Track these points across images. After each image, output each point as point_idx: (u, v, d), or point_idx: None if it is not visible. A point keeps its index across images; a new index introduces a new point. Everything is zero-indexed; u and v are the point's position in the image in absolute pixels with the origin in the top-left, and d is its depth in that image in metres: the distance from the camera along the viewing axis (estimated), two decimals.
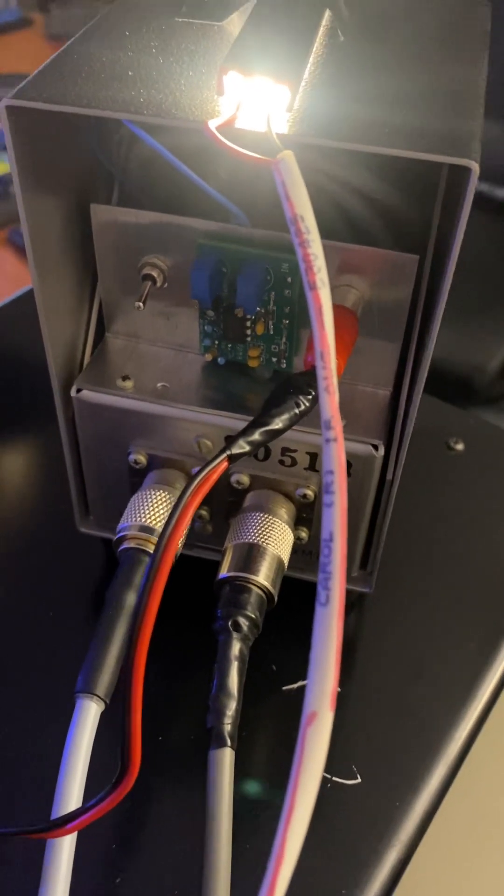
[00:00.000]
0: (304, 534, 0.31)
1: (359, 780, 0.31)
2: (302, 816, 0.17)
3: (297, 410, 0.24)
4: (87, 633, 0.27)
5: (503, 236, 0.98)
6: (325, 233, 0.28)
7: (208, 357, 0.30)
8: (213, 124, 0.21)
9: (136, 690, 0.21)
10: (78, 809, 0.23)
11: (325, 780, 0.31)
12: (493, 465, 0.43)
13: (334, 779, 0.31)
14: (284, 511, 0.30)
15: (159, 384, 0.30)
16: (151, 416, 0.30)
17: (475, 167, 0.21)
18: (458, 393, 0.94)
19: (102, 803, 0.22)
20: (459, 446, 0.43)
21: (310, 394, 0.24)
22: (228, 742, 0.25)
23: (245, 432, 0.23)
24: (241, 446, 0.23)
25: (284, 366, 0.30)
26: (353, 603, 0.36)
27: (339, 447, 0.18)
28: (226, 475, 0.31)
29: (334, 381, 0.19)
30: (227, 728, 0.25)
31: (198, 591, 0.30)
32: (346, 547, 0.18)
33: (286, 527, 0.30)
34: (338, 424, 0.18)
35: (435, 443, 0.44)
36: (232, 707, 0.26)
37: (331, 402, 0.18)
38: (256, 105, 0.22)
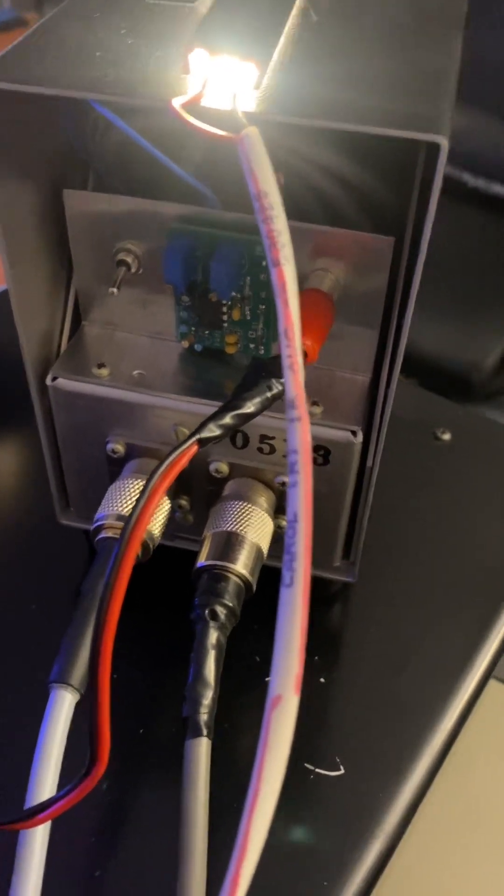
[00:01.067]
0: (284, 522, 0.31)
1: (342, 771, 0.31)
2: (267, 802, 0.17)
3: (269, 394, 0.24)
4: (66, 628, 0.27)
5: (497, 232, 0.98)
6: (301, 216, 0.28)
7: (185, 344, 0.30)
8: (177, 102, 0.21)
9: (104, 676, 0.20)
10: (49, 799, 0.22)
11: (308, 772, 0.31)
12: (480, 455, 0.43)
13: (317, 770, 0.31)
14: (264, 499, 0.30)
15: (136, 372, 0.30)
16: (128, 405, 0.29)
17: (444, 143, 0.21)
18: (455, 389, 0.93)
19: (73, 793, 0.21)
20: (446, 436, 0.43)
21: (282, 377, 0.24)
22: (204, 731, 0.25)
23: (215, 416, 0.23)
24: (212, 430, 0.23)
25: (262, 352, 0.30)
26: (338, 593, 0.36)
27: (304, 426, 0.18)
28: (205, 464, 0.31)
29: (299, 359, 0.18)
30: (204, 717, 0.25)
31: (180, 582, 0.29)
32: (312, 527, 0.18)
33: (265, 515, 0.29)
34: (302, 403, 0.18)
35: (422, 433, 0.43)
36: (208, 696, 0.25)
37: (295, 381, 0.18)
38: (223, 83, 0.22)
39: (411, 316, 0.25)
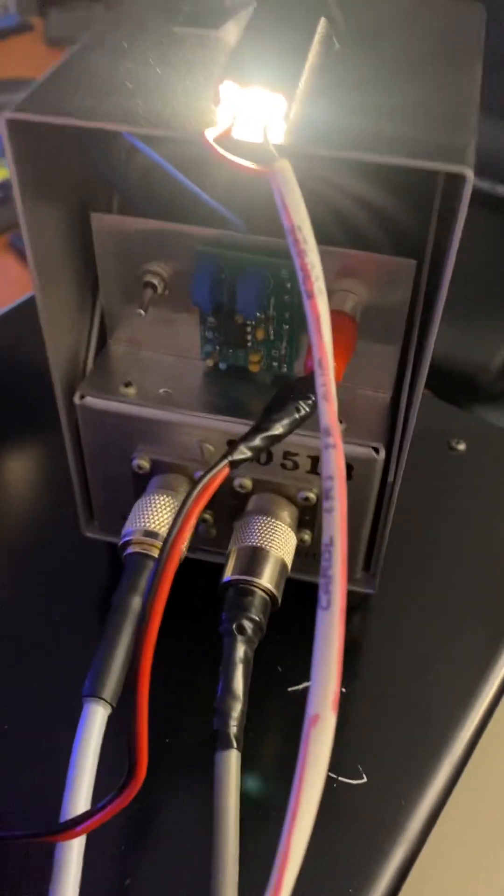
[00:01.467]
0: (306, 536, 0.32)
1: (364, 779, 0.32)
2: (306, 818, 0.18)
3: (297, 416, 0.24)
4: (94, 638, 0.28)
5: (503, 234, 0.98)
6: (324, 238, 0.28)
7: (210, 363, 0.31)
8: (209, 135, 0.21)
9: (143, 693, 0.21)
10: (86, 812, 0.23)
11: (331, 780, 0.31)
12: (495, 465, 0.43)
13: (340, 779, 0.31)
14: (287, 514, 0.31)
15: (161, 390, 0.30)
16: (154, 422, 0.30)
17: (470, 175, 0.21)
18: (461, 391, 0.94)
19: (110, 806, 0.22)
20: (461, 447, 0.43)
21: (310, 399, 0.24)
22: (234, 744, 0.25)
23: (246, 438, 0.24)
24: (243, 452, 0.23)
25: (285, 370, 0.30)
26: (357, 604, 0.37)
27: (339, 453, 0.19)
28: (228, 479, 0.31)
29: (332, 388, 0.19)
30: (233, 730, 0.25)
31: (203, 595, 0.30)
32: (347, 551, 0.18)
33: (289, 529, 0.30)
34: (336, 431, 0.19)
35: (436, 443, 0.44)
36: (237, 709, 0.26)
37: (329, 410, 0.19)
38: (253, 115, 0.22)
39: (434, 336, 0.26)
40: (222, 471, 0.23)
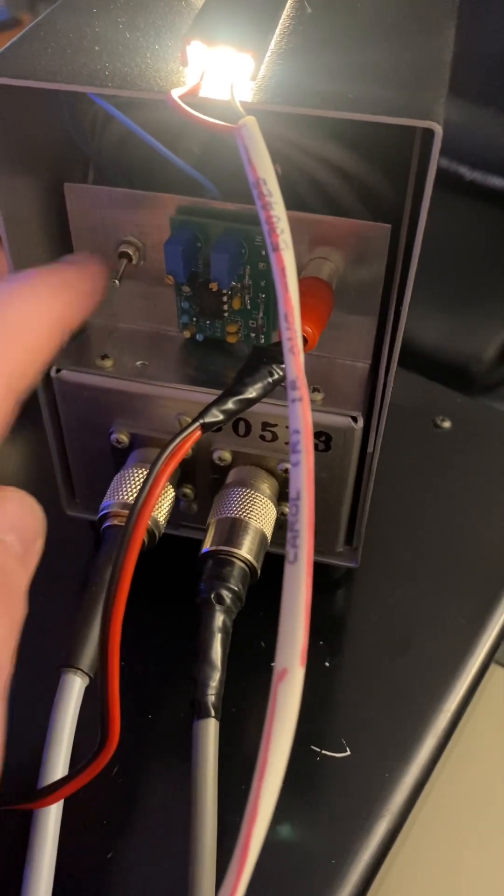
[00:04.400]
0: (287, 509, 0.31)
1: (348, 752, 0.31)
2: (275, 775, 0.18)
3: (270, 379, 0.24)
4: (75, 612, 0.27)
5: (497, 224, 0.98)
6: (300, 206, 0.28)
7: (187, 334, 0.31)
8: (175, 94, 0.21)
9: (113, 659, 0.21)
10: (61, 779, 0.23)
11: (314, 753, 0.31)
12: (480, 443, 0.43)
13: (323, 752, 0.31)
14: (267, 486, 0.30)
15: (139, 362, 0.30)
16: (132, 395, 0.30)
17: (438, 129, 0.21)
18: (455, 381, 0.94)
19: (84, 772, 0.22)
20: (446, 424, 0.43)
21: (283, 363, 0.24)
22: (212, 713, 0.25)
23: (218, 401, 0.23)
24: (215, 415, 0.23)
25: (263, 341, 0.30)
26: (341, 579, 0.37)
27: (305, 406, 0.18)
28: (208, 452, 0.31)
29: (299, 341, 0.19)
30: (211, 699, 0.25)
31: (185, 571, 0.30)
32: (314, 505, 0.18)
33: (269, 501, 0.30)
34: (303, 385, 0.18)
35: (422, 421, 0.44)
36: (216, 678, 0.26)
37: (295, 363, 0.18)
38: (221, 74, 0.22)
39: (409, 305, 0.26)
40: (193, 434, 0.22)
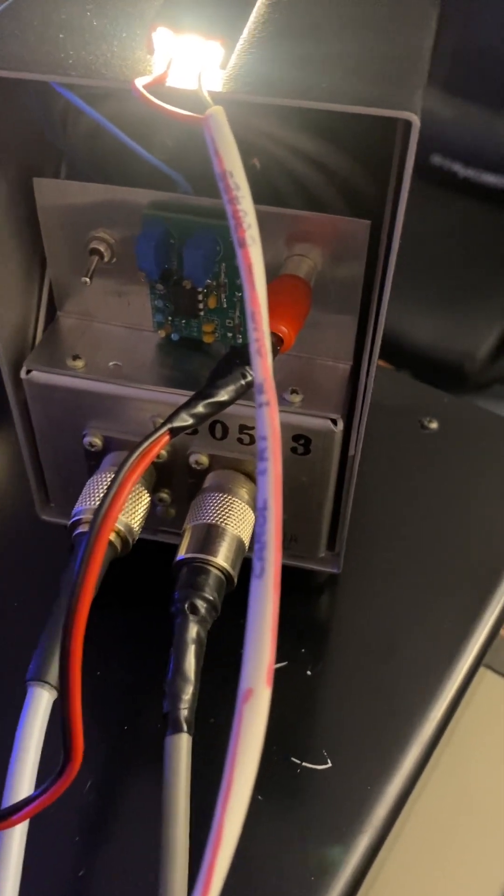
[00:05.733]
0: None
1: (329, 764, 0.31)
2: (240, 798, 0.17)
3: (243, 382, 0.23)
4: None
5: (491, 221, 0.97)
6: (279, 202, 0.27)
7: (162, 334, 0.30)
8: (140, 83, 0.20)
9: (75, 671, 0.20)
10: (24, 799, 0.22)
11: (294, 766, 0.30)
12: (467, 444, 0.42)
13: (304, 764, 0.30)
14: (245, 491, 0.29)
15: (112, 363, 0.29)
16: (104, 396, 0.29)
17: (415, 120, 0.20)
18: (448, 380, 0.93)
19: (48, 792, 0.21)
20: (433, 425, 0.42)
21: None
22: (185, 727, 0.24)
23: (188, 405, 0.22)
24: (184, 419, 0.22)
25: (240, 340, 0.29)
26: (324, 584, 0.36)
27: (273, 411, 0.17)
28: (185, 456, 0.30)
29: (266, 343, 0.18)
30: (184, 713, 0.24)
31: (163, 578, 0.29)
32: (282, 515, 0.17)
33: (247, 507, 0.29)
34: (270, 388, 0.18)
35: (409, 422, 0.43)
36: (188, 692, 0.25)
37: (263, 365, 0.18)
38: (188, 63, 0.21)
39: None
40: (161, 438, 0.21)
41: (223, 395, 0.23)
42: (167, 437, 0.22)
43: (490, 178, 0.99)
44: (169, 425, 0.22)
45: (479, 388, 0.92)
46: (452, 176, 0.98)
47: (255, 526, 0.30)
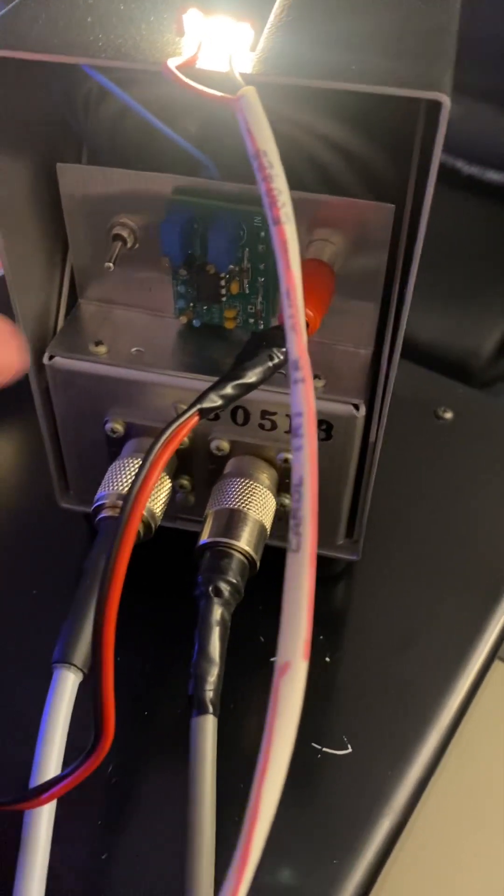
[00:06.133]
0: (287, 500, 0.31)
1: (350, 749, 0.31)
2: (277, 772, 0.17)
3: (270, 364, 0.23)
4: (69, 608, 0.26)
5: (495, 218, 0.97)
6: (302, 186, 0.27)
7: (183, 320, 0.30)
8: (172, 64, 0.20)
9: (108, 654, 0.20)
10: (54, 778, 0.22)
11: (315, 751, 0.30)
12: (481, 434, 0.42)
13: (325, 749, 0.31)
14: (266, 476, 0.29)
15: (134, 349, 0.29)
16: (126, 382, 0.29)
17: (446, 100, 0.20)
18: (453, 376, 0.93)
19: (78, 771, 0.21)
20: (448, 415, 0.43)
21: (283, 346, 0.23)
22: (210, 709, 0.24)
23: (216, 386, 0.23)
24: (213, 400, 0.22)
25: (262, 327, 0.29)
26: (342, 573, 0.36)
27: (308, 388, 0.18)
28: (206, 442, 0.30)
29: (301, 320, 0.18)
30: (209, 695, 0.24)
31: (183, 564, 0.29)
32: (318, 490, 0.17)
33: (268, 492, 0.29)
34: (306, 364, 0.18)
35: (424, 412, 0.43)
36: (214, 673, 0.25)
37: (298, 342, 0.18)
38: (219, 45, 0.21)
39: (412, 295, 0.25)
40: (191, 419, 0.22)
41: (251, 377, 0.23)
42: (196, 419, 0.22)
43: (494, 176, 0.99)
44: (198, 406, 0.22)
45: (484, 385, 0.92)
46: (456, 173, 0.98)
47: (279, 510, 0.30)
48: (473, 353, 0.88)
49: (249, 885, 0.16)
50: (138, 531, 0.28)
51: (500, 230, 0.97)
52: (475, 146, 0.98)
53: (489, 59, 0.97)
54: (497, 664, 0.36)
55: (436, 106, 0.20)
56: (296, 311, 0.18)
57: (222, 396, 0.22)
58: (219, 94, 0.20)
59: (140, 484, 0.20)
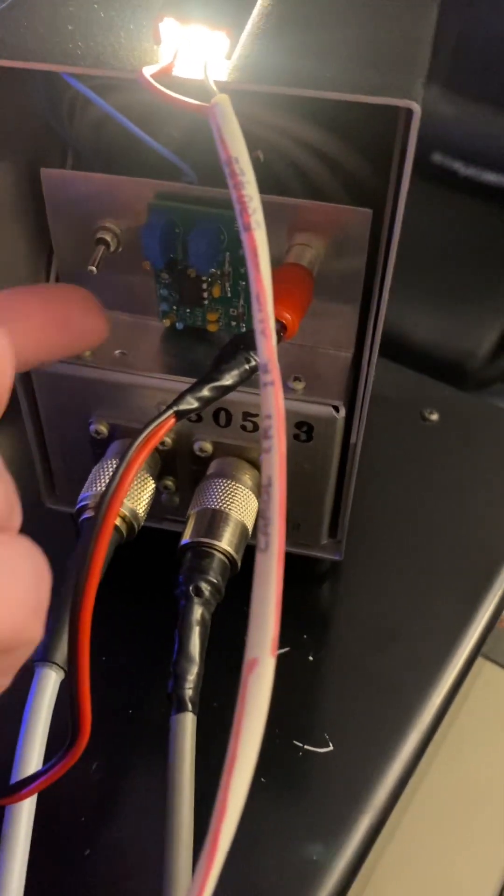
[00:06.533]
0: None
1: (331, 747, 0.31)
2: (244, 769, 0.17)
3: (247, 367, 0.24)
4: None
5: (492, 220, 0.98)
6: (280, 190, 0.28)
7: (167, 323, 0.30)
8: (147, 72, 0.21)
9: (83, 651, 0.20)
10: (33, 774, 0.22)
11: (296, 749, 0.31)
12: (468, 435, 0.43)
13: (306, 747, 0.31)
14: (248, 477, 0.30)
15: (117, 352, 0.30)
16: (110, 385, 0.29)
17: (417, 108, 0.20)
18: (449, 377, 0.93)
19: (56, 767, 0.21)
20: (434, 417, 0.43)
21: None
22: (189, 707, 0.25)
23: (193, 388, 0.23)
24: (189, 402, 0.23)
25: (244, 329, 0.30)
26: (326, 572, 0.36)
27: (277, 390, 0.18)
28: (189, 443, 0.30)
29: (271, 324, 0.18)
30: (189, 693, 0.25)
31: (167, 564, 0.29)
32: (286, 491, 0.18)
33: (250, 493, 0.29)
34: (275, 368, 0.18)
35: (410, 413, 0.43)
36: (193, 672, 0.25)
37: (267, 346, 0.18)
38: (195, 53, 0.22)
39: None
40: (167, 421, 0.22)
41: (227, 380, 0.23)
42: (173, 420, 0.22)
43: (491, 177, 1.00)
44: (175, 408, 0.22)
45: (480, 386, 0.93)
46: (453, 174, 0.99)
47: (259, 506, 0.30)
48: (470, 353, 0.88)
49: (216, 883, 0.16)
50: (121, 532, 0.28)
51: (497, 231, 0.97)
52: (473, 147, 0.99)
53: (487, 60, 0.98)
54: (481, 662, 0.37)
55: (408, 113, 0.21)
56: (265, 315, 0.18)
57: (199, 399, 0.23)
58: (193, 101, 0.20)
59: (115, 485, 0.21)
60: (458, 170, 0.99)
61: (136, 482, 0.29)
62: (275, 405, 0.18)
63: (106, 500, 0.20)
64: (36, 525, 0.38)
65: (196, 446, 0.30)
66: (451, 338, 0.89)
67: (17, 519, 0.19)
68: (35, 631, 0.18)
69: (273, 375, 0.18)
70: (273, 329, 0.18)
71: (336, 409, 0.28)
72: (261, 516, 0.18)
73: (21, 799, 0.23)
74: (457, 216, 0.99)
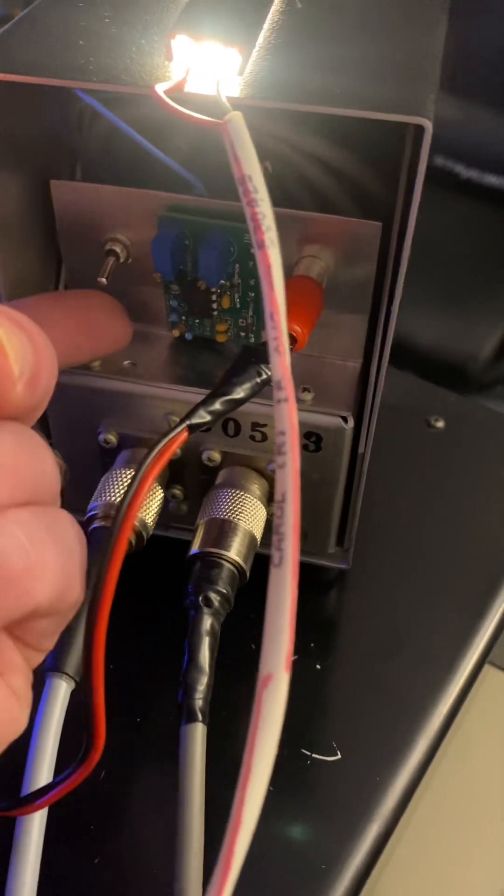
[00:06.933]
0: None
1: (339, 756, 0.31)
2: (259, 783, 0.17)
3: (258, 380, 0.24)
4: None
5: (493, 222, 0.98)
6: (289, 203, 0.28)
7: (175, 333, 0.30)
8: (160, 88, 0.21)
9: (98, 662, 0.20)
10: (46, 786, 0.22)
11: (304, 757, 0.31)
12: (474, 442, 0.43)
13: (314, 755, 0.31)
14: (257, 487, 0.30)
15: (126, 362, 0.30)
16: (119, 395, 0.29)
17: (428, 125, 0.21)
18: (451, 380, 0.93)
19: (70, 779, 0.22)
20: (440, 424, 0.43)
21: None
22: (199, 717, 0.25)
23: (205, 402, 0.23)
24: (202, 416, 0.23)
25: (253, 340, 0.30)
26: (333, 580, 0.36)
27: (291, 407, 0.18)
28: (197, 453, 0.31)
29: (285, 341, 0.18)
30: (199, 703, 0.25)
31: (175, 573, 0.29)
32: (300, 507, 0.18)
33: (258, 503, 0.30)
34: (289, 384, 0.18)
35: (415, 420, 0.43)
36: (203, 682, 0.25)
37: (281, 363, 0.18)
38: (207, 70, 0.22)
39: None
40: (180, 435, 0.22)
41: (239, 393, 0.23)
42: (185, 434, 0.22)
43: (493, 180, 1.00)
44: (187, 422, 0.22)
45: (482, 389, 0.93)
46: (455, 177, 0.99)
47: (270, 520, 0.30)
48: (472, 356, 0.88)
49: (232, 893, 0.16)
50: (130, 541, 0.28)
51: (499, 234, 0.97)
52: (474, 150, 0.99)
53: (489, 63, 0.98)
54: (487, 669, 0.37)
55: (419, 130, 0.21)
56: (279, 333, 0.18)
57: (211, 412, 0.23)
58: (206, 118, 0.20)
59: (130, 497, 0.21)
60: (459, 172, 0.99)
61: None
62: (289, 421, 0.18)
63: (120, 514, 0.20)
64: None
65: (204, 456, 0.30)
66: (453, 340, 0.89)
67: (58, 496, 0.21)
68: (78, 594, 0.20)
69: (287, 392, 0.18)
70: (287, 346, 0.18)
71: (345, 419, 0.28)
72: (274, 532, 0.18)
73: (34, 810, 0.23)
74: (458, 219, 0.99)
